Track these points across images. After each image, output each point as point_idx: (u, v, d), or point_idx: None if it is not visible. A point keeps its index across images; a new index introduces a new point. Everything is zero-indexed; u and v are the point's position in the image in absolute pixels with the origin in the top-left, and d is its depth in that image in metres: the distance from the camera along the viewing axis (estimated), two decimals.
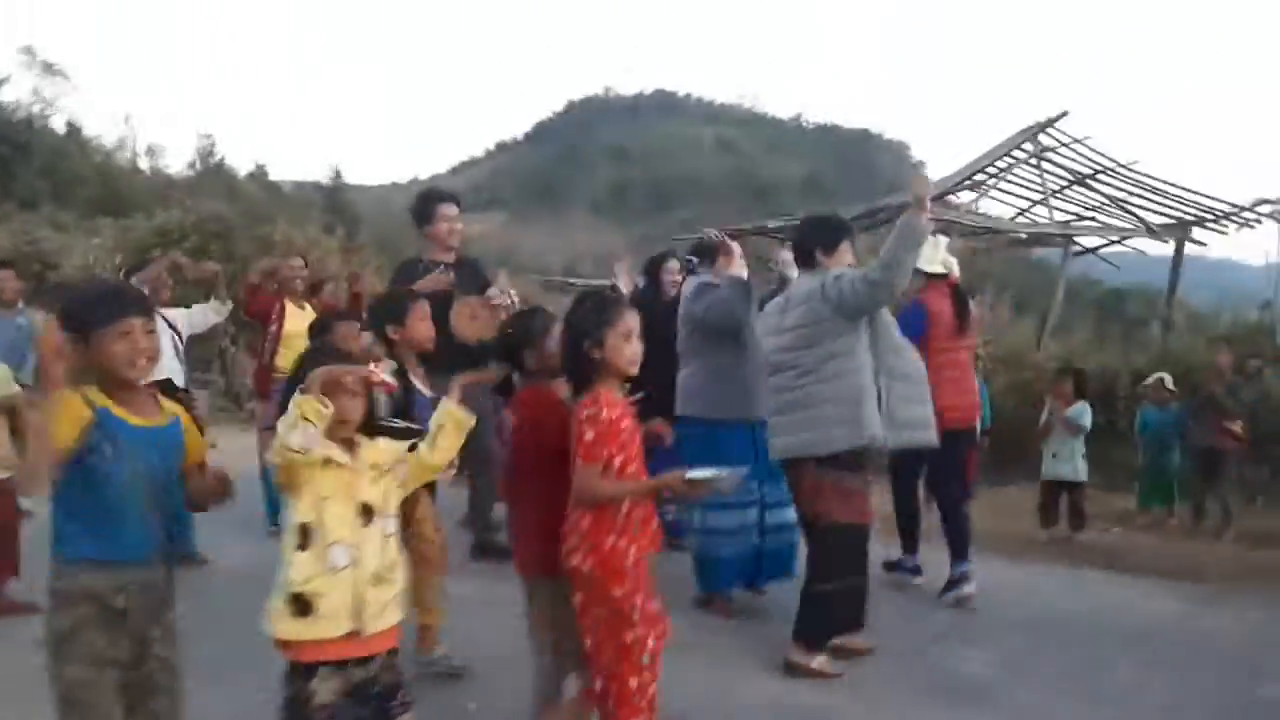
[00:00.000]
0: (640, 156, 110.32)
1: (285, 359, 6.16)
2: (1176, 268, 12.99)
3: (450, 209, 5.29)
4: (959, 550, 4.68)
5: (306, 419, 2.05)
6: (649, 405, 2.93)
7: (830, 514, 3.66)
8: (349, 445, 2.23)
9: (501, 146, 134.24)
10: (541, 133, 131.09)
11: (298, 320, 6.25)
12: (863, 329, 3.71)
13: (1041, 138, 11.85)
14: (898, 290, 3.64)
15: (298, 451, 2.06)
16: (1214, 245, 13.18)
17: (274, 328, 6.16)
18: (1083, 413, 6.25)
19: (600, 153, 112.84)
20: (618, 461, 2.59)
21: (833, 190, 79.86)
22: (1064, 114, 11.72)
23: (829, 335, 3.68)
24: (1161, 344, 10.68)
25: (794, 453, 3.75)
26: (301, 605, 2.12)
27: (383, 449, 2.31)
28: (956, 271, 5.07)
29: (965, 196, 13.59)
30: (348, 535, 2.17)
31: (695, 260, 4.63)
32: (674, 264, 5.42)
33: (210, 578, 4.79)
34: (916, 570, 4.99)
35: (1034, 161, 12.20)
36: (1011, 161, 12.33)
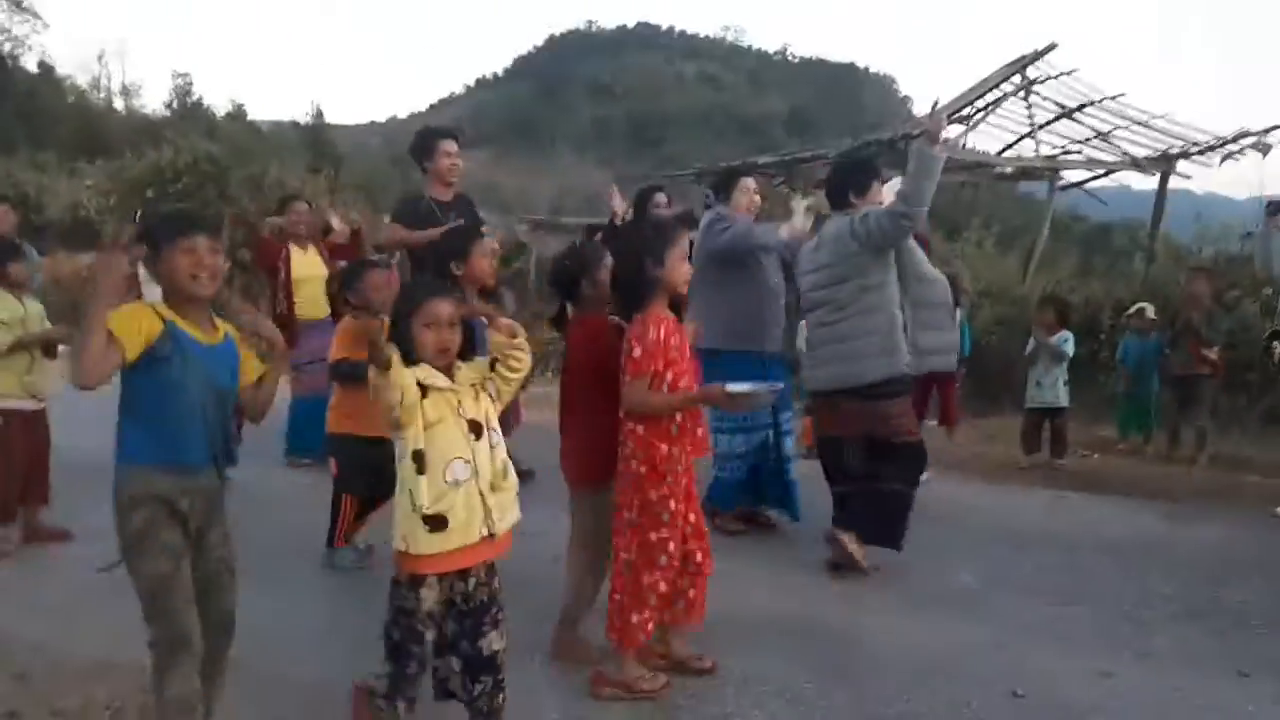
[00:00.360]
0: (623, 92, 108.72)
1: (300, 303, 6.27)
2: (1161, 201, 13.13)
3: (451, 145, 5.40)
4: None
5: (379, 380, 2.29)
6: None
7: (889, 434, 4.01)
8: (449, 371, 2.44)
9: (481, 83, 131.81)
10: (522, 68, 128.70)
11: (304, 264, 6.36)
12: (891, 261, 4.00)
13: (1029, 71, 11.88)
14: (920, 219, 3.91)
15: (393, 399, 2.29)
16: (1202, 179, 13.31)
17: (282, 275, 6.26)
18: (1065, 340, 6.47)
19: (582, 88, 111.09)
20: (669, 376, 2.86)
21: (819, 124, 79.11)
22: (1052, 46, 11.74)
23: (860, 270, 3.98)
24: (1145, 276, 10.86)
25: (838, 384, 4.03)
26: (437, 522, 2.32)
27: (474, 367, 2.52)
28: None
29: (953, 130, 13.64)
30: (463, 450, 2.38)
31: (712, 195, 4.77)
32: (661, 197, 5.55)
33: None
34: None
35: (1021, 95, 12.25)
36: (999, 95, 12.37)
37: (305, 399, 6.28)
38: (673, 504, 2.89)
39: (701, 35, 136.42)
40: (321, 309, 6.43)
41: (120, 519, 2.31)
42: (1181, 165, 12.83)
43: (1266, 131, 11.92)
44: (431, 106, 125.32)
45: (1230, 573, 4.17)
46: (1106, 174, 13.54)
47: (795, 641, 3.44)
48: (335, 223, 7.23)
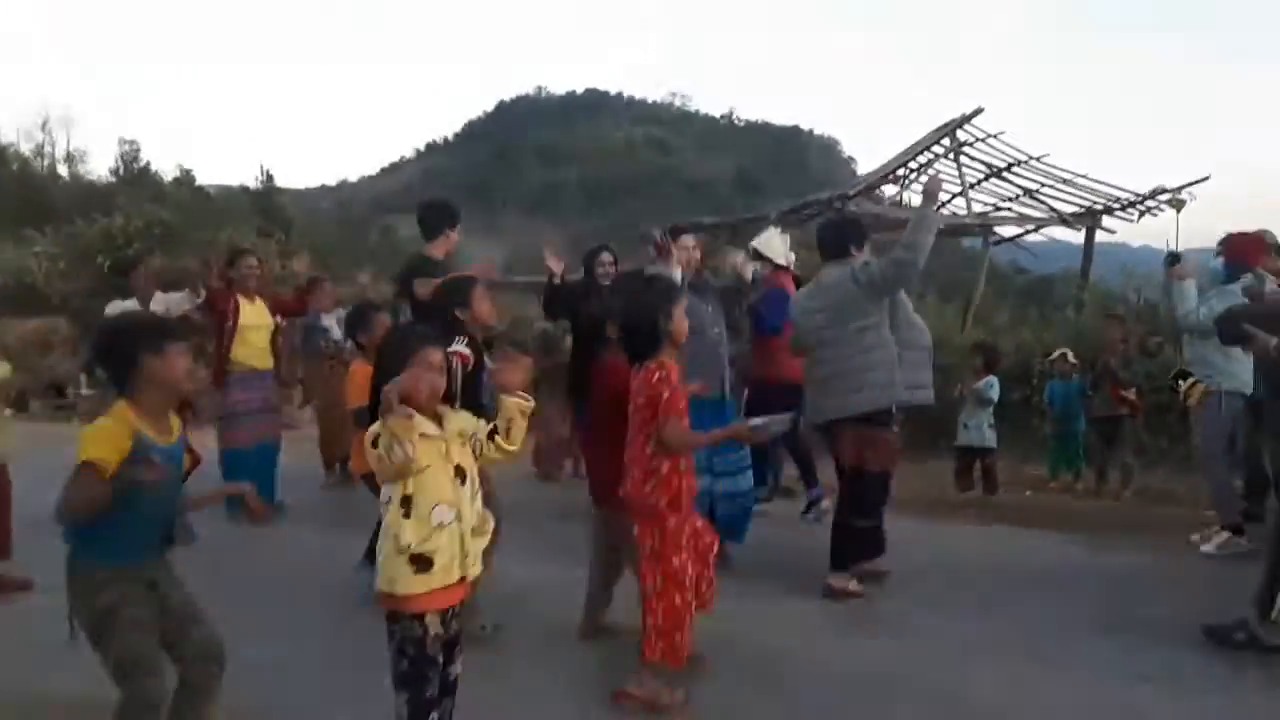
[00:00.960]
0: (572, 156, 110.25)
1: (240, 350, 6.44)
2: (1088, 253, 13.78)
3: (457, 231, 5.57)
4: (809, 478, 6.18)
5: (397, 436, 2.32)
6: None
7: (865, 463, 4.45)
8: (437, 417, 2.56)
9: (431, 147, 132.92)
10: (471, 133, 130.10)
11: (251, 314, 6.55)
12: (886, 305, 4.49)
13: (959, 134, 12.52)
14: (918, 269, 4.38)
15: (406, 463, 2.36)
16: (1135, 232, 13.95)
17: (229, 323, 6.42)
18: (990, 385, 6.86)
19: (532, 153, 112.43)
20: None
21: (765, 185, 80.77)
22: (979, 110, 12.40)
23: (861, 313, 4.44)
24: (1075, 324, 11.37)
25: (840, 414, 4.47)
26: (422, 563, 2.46)
27: (464, 418, 2.63)
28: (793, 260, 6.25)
29: (888, 190, 14.25)
30: (449, 496, 2.52)
31: (654, 250, 5.02)
32: (606, 256, 5.86)
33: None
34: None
35: (951, 156, 12.88)
36: (931, 156, 12.99)
37: (237, 450, 6.40)
38: (686, 528, 3.28)
39: (649, 101, 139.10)
40: (265, 360, 6.64)
41: (83, 604, 2.47)
42: (1106, 220, 13.51)
43: (1180, 189, 12.63)
44: (383, 170, 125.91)
45: (1145, 593, 4.46)
46: (1036, 229, 14.18)
47: (741, 661, 3.65)
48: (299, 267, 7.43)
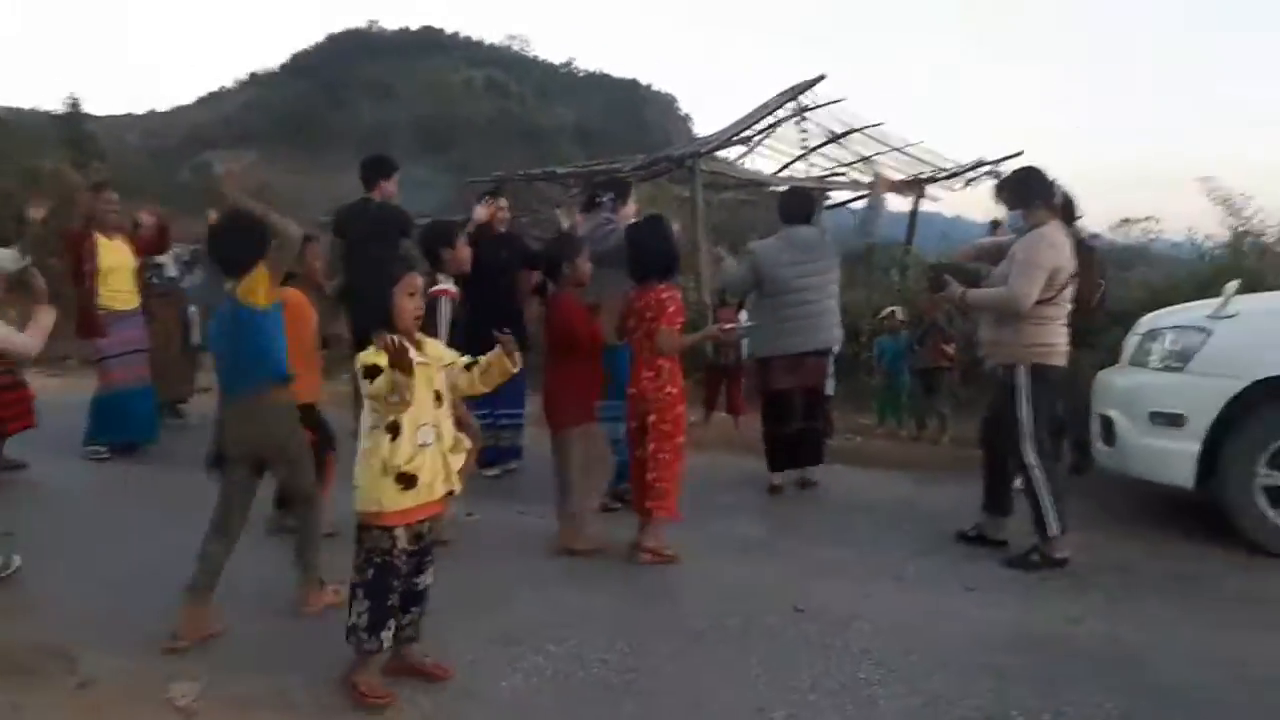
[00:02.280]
0: (406, 95, 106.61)
1: (104, 293, 6.25)
2: (913, 220, 14.79)
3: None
4: None
5: (400, 383, 2.57)
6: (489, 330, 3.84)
7: (817, 386, 5.84)
8: (418, 343, 2.77)
9: (254, 78, 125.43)
10: (299, 66, 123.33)
11: (112, 253, 6.35)
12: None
13: (802, 99, 13.13)
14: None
15: (408, 398, 2.61)
16: (951, 203, 15.03)
17: (88, 265, 6.22)
18: None
19: (363, 90, 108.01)
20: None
21: (604, 138, 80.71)
22: (821, 77, 13.01)
23: (831, 267, 5.72)
24: (900, 287, 12.29)
25: (826, 345, 5.74)
26: (408, 481, 2.67)
27: (441, 346, 2.88)
28: None
29: (734, 151, 14.80)
30: (430, 417, 2.74)
31: (609, 197, 5.32)
32: (503, 200, 6.04)
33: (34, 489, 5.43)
34: None
35: (795, 121, 13.51)
36: (775, 120, 13.58)
37: (111, 393, 6.30)
38: (684, 417, 4.32)
39: (487, 43, 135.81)
40: (130, 300, 6.48)
41: None
42: (931, 189, 14.52)
43: (999, 161, 13.73)
44: (199, 100, 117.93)
45: (964, 520, 5.11)
46: (868, 194, 15.07)
47: (623, 576, 4.14)
48: (144, 218, 7.21)
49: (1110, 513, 5.33)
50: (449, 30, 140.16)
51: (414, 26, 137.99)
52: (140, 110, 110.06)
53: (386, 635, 2.83)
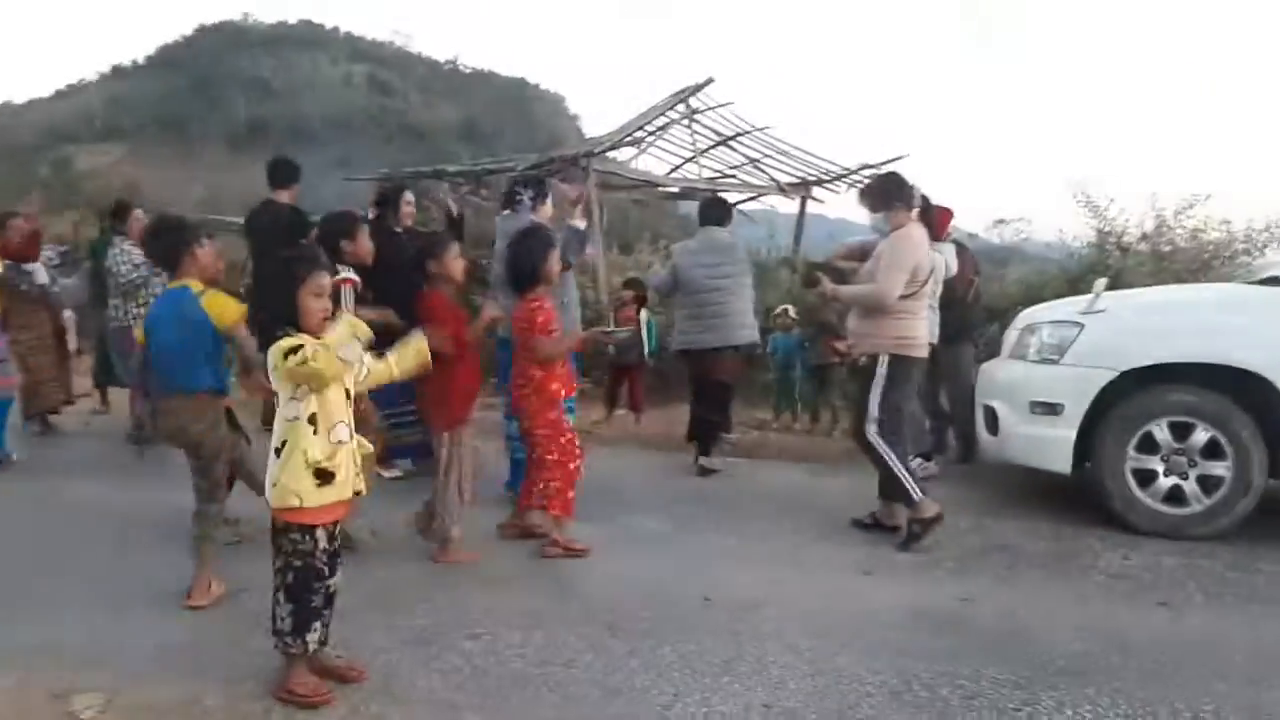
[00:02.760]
0: (283, 91, 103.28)
1: None
2: (800, 222, 15.18)
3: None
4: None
5: (356, 336, 2.66)
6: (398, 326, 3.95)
7: (728, 378, 6.32)
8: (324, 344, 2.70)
9: (118, 71, 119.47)
10: (167, 58, 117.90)
11: None
12: None
13: (692, 101, 13.33)
14: None
15: (350, 361, 2.65)
16: (835, 205, 15.43)
17: None
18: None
19: (237, 84, 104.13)
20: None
21: (491, 136, 79.99)
22: (710, 80, 13.24)
23: (743, 270, 6.25)
24: (789, 286, 12.60)
25: (739, 341, 6.20)
26: (325, 476, 2.64)
27: (344, 339, 2.76)
28: None
29: (626, 153, 14.92)
30: (343, 415, 2.70)
31: (529, 195, 5.26)
32: (410, 195, 5.94)
33: None
34: None
35: (685, 123, 13.71)
36: (665, 122, 13.75)
37: None
38: (566, 418, 4.46)
39: (369, 38, 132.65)
40: None
41: None
42: (817, 191, 14.92)
43: (881, 164, 14.21)
44: (58, 93, 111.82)
45: (858, 508, 5.31)
46: (757, 197, 15.40)
47: (532, 573, 4.16)
48: (19, 223, 6.85)
49: (995, 498, 5.62)
50: (328, 25, 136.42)
51: (291, 20, 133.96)
52: None
53: (312, 637, 2.80)
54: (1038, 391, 5.10)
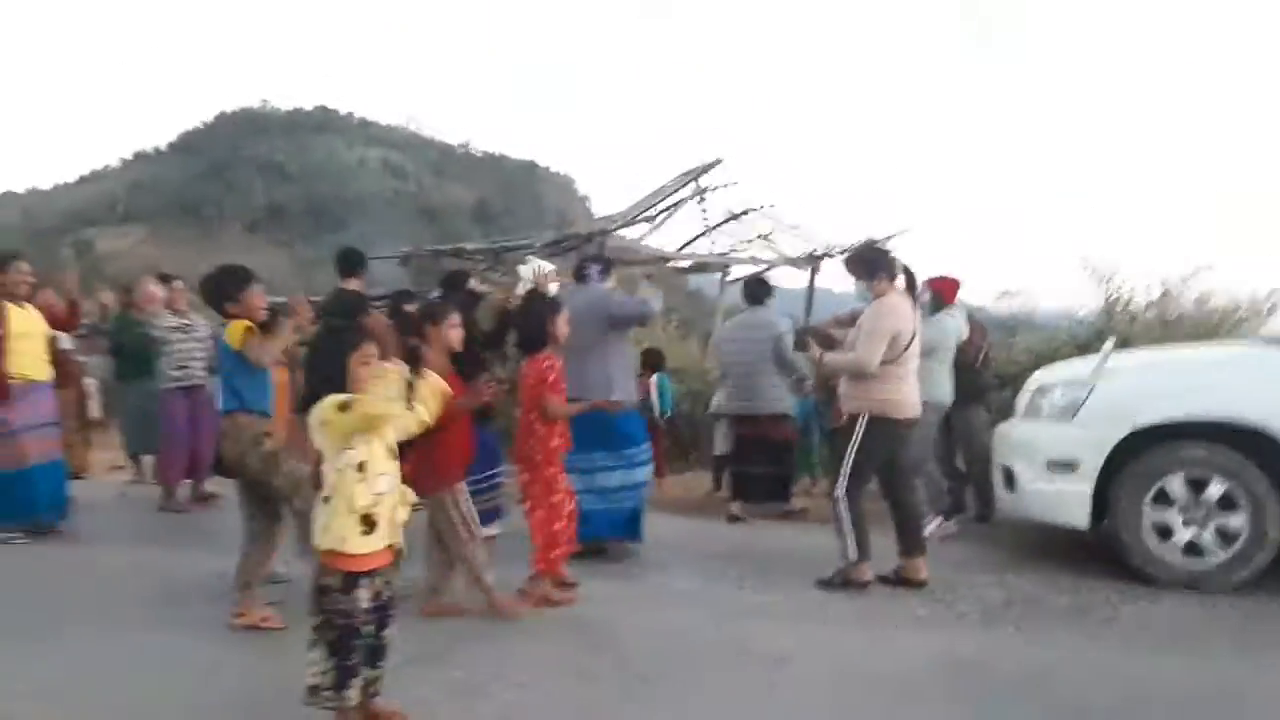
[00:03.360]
0: (300, 174, 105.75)
1: (15, 361, 6.12)
2: (811, 293, 15.44)
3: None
4: None
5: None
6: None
7: (776, 438, 6.99)
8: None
9: (141, 156, 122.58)
10: (188, 144, 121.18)
11: (24, 321, 6.23)
12: None
13: (702, 180, 13.72)
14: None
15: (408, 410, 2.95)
16: (838, 281, 15.65)
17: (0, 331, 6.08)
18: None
19: (255, 168, 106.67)
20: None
21: (502, 217, 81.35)
22: (719, 161, 13.67)
23: (766, 344, 6.80)
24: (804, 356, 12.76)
25: (752, 411, 6.94)
26: (369, 523, 2.79)
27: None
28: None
29: (639, 230, 15.29)
30: (385, 466, 2.86)
31: (597, 269, 5.81)
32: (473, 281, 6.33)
33: None
34: None
35: (697, 200, 14.08)
36: (676, 200, 14.13)
37: (21, 470, 6.09)
38: (561, 477, 4.59)
39: (382, 123, 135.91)
40: (42, 370, 6.35)
41: None
42: (826, 265, 15.20)
43: (886, 239, 14.50)
44: (82, 179, 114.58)
45: (881, 565, 5.39)
46: (768, 269, 15.70)
47: (567, 626, 4.31)
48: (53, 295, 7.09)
49: (1016, 555, 5.70)
50: (343, 110, 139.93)
51: (308, 106, 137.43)
52: (21, 189, 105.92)
53: (355, 687, 2.88)
54: (1053, 449, 5.22)
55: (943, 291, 6.51)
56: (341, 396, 2.83)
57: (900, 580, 4.98)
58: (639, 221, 14.55)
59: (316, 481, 2.94)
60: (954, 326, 6.36)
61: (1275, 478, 4.78)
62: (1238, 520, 4.79)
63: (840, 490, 4.91)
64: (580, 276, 5.83)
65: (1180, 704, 3.40)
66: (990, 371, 7.24)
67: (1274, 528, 4.76)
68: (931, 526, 6.09)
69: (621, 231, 15.19)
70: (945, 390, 6.22)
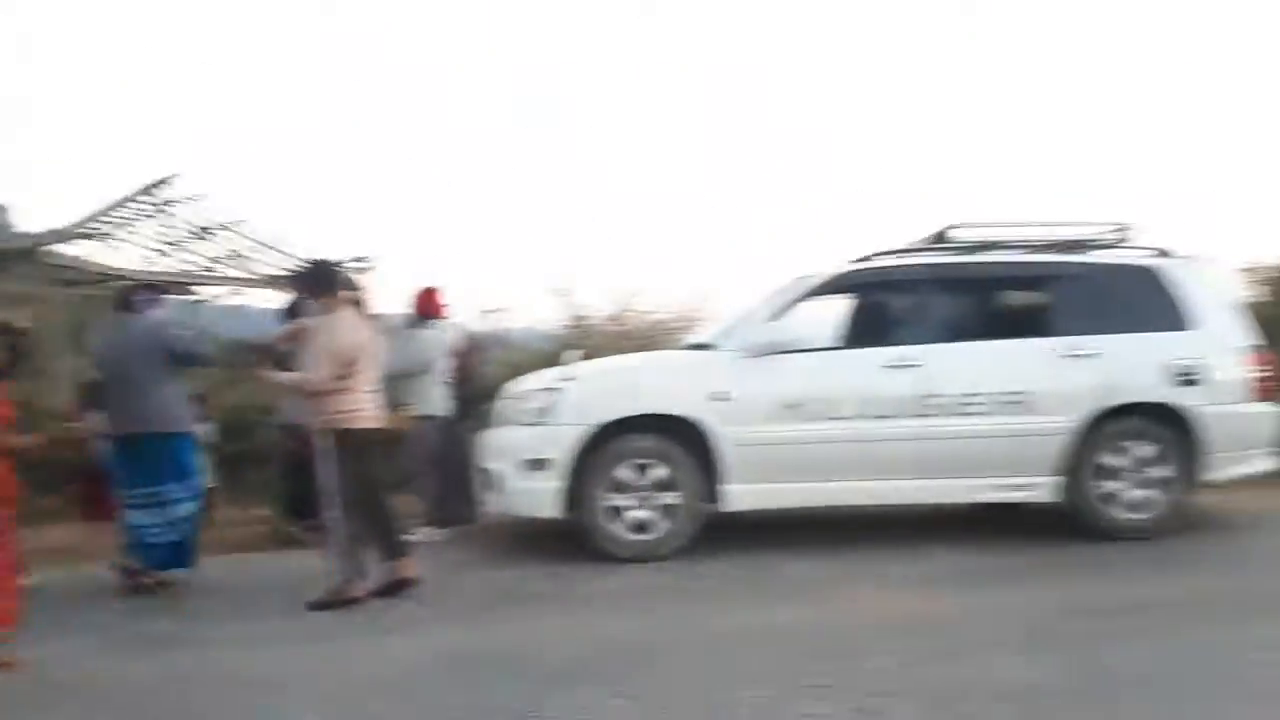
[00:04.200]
0: None
1: None
2: (293, 312, 14.89)
3: None
4: None
5: None
6: None
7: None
8: None
9: None
10: None
11: None
12: None
13: (165, 194, 12.68)
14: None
15: None
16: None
17: None
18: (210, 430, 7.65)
19: None
20: None
21: None
22: (175, 175, 12.74)
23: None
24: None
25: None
26: None
27: None
28: None
29: (86, 248, 13.63)
30: None
31: (148, 298, 5.60)
32: None
33: None
34: None
35: (156, 215, 12.95)
36: (135, 214, 12.88)
37: None
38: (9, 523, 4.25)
39: None
40: None
41: None
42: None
43: (366, 259, 14.53)
44: None
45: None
46: (239, 291, 14.88)
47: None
48: None
49: (504, 550, 6.23)
50: None
51: None
52: None
53: None
54: (528, 450, 5.72)
55: (424, 305, 6.77)
56: None
57: (393, 587, 5.04)
58: (88, 235, 13.01)
59: None
60: (436, 339, 6.66)
61: (698, 459, 5.72)
62: (674, 497, 5.67)
63: (329, 510, 4.88)
64: (126, 305, 5.55)
65: (653, 653, 4.01)
66: (477, 383, 7.67)
67: (694, 500, 5.68)
68: (421, 535, 6.28)
69: (62, 248, 13.39)
70: (438, 402, 6.51)
